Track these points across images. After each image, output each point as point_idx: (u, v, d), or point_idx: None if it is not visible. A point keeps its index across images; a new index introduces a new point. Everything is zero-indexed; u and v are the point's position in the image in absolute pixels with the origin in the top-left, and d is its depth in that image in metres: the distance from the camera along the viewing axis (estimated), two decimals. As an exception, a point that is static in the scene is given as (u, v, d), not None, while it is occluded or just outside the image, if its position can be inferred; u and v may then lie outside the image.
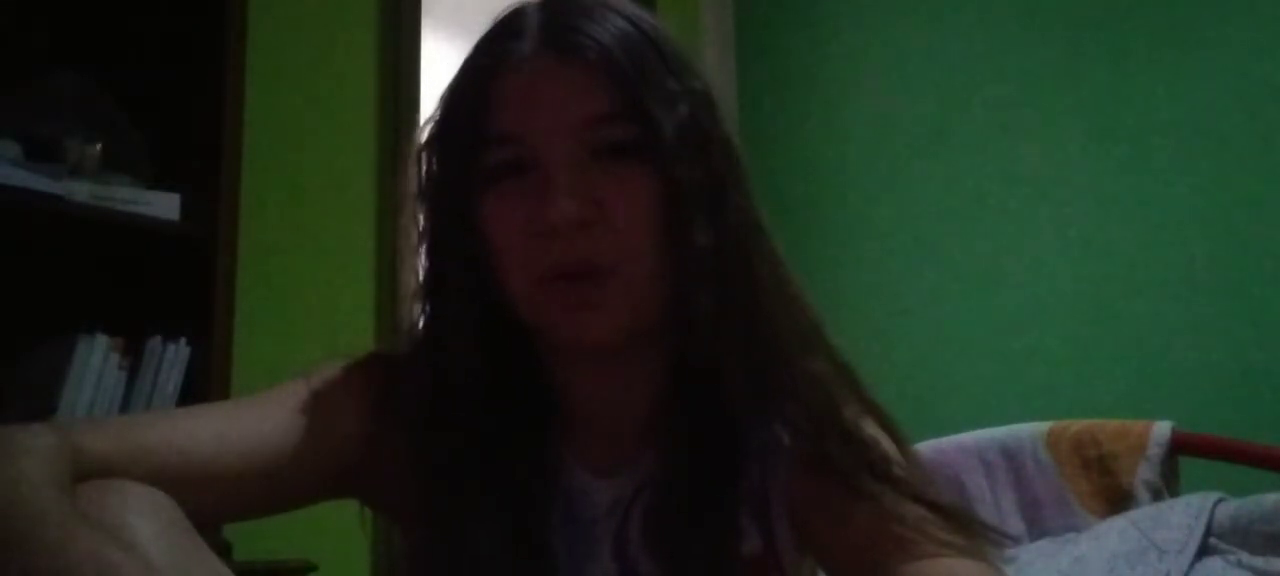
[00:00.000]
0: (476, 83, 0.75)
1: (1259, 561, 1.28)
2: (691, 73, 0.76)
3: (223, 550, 1.59)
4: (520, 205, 0.72)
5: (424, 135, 0.79)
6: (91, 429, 0.67)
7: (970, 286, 2.38)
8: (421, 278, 0.79)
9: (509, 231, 0.73)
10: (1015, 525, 1.54)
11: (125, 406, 1.56)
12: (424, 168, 0.79)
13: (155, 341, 1.60)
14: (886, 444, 0.75)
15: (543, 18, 0.75)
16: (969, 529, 0.70)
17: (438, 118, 0.78)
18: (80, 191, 1.56)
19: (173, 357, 1.60)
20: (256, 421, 0.74)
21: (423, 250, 0.79)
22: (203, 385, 1.60)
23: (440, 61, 2.47)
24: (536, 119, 0.72)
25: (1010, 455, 1.58)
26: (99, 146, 1.61)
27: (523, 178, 0.72)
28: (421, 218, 0.79)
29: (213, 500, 0.70)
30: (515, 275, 0.73)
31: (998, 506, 1.57)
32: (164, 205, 1.64)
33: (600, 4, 0.75)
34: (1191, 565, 1.28)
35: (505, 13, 0.77)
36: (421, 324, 0.79)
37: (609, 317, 0.72)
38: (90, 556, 0.54)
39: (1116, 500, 1.47)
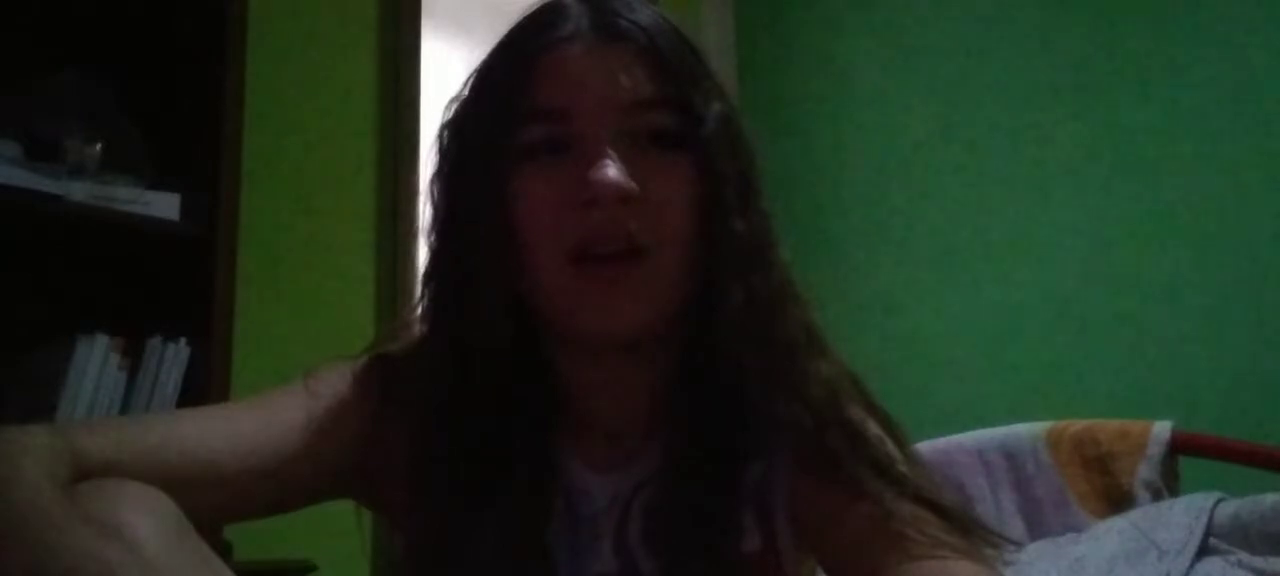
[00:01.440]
0: (517, 61, 0.75)
1: (1259, 561, 1.28)
2: (717, 76, 0.77)
3: (223, 550, 1.59)
4: (557, 180, 0.71)
5: (449, 114, 0.79)
6: (89, 430, 0.66)
7: (971, 285, 2.38)
8: (433, 257, 0.78)
9: (543, 205, 0.72)
10: (1015, 525, 1.54)
11: (125, 406, 1.56)
12: (448, 147, 0.78)
13: (155, 341, 1.60)
14: (889, 444, 0.75)
15: (585, 8, 0.75)
16: (970, 530, 0.70)
17: (467, 96, 0.78)
18: (80, 191, 1.56)
19: (173, 357, 1.60)
20: (257, 423, 0.74)
21: (435, 234, 0.78)
22: (203, 385, 1.60)
23: (440, 61, 2.48)
24: (583, 96, 0.72)
25: (1010, 455, 1.58)
26: (99, 146, 1.61)
27: (561, 155, 0.72)
28: (437, 200, 0.78)
29: (212, 501, 0.70)
30: (545, 251, 0.72)
31: (998, 506, 1.57)
32: (164, 205, 1.64)
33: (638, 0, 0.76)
34: (1191, 565, 1.28)
35: (541, 4, 0.78)
36: (428, 311, 0.78)
37: (639, 304, 0.72)
38: (89, 554, 0.54)
39: (1116, 500, 1.47)
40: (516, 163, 0.73)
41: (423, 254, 0.80)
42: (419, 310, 0.79)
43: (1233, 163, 2.03)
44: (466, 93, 0.78)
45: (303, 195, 2.12)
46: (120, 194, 1.60)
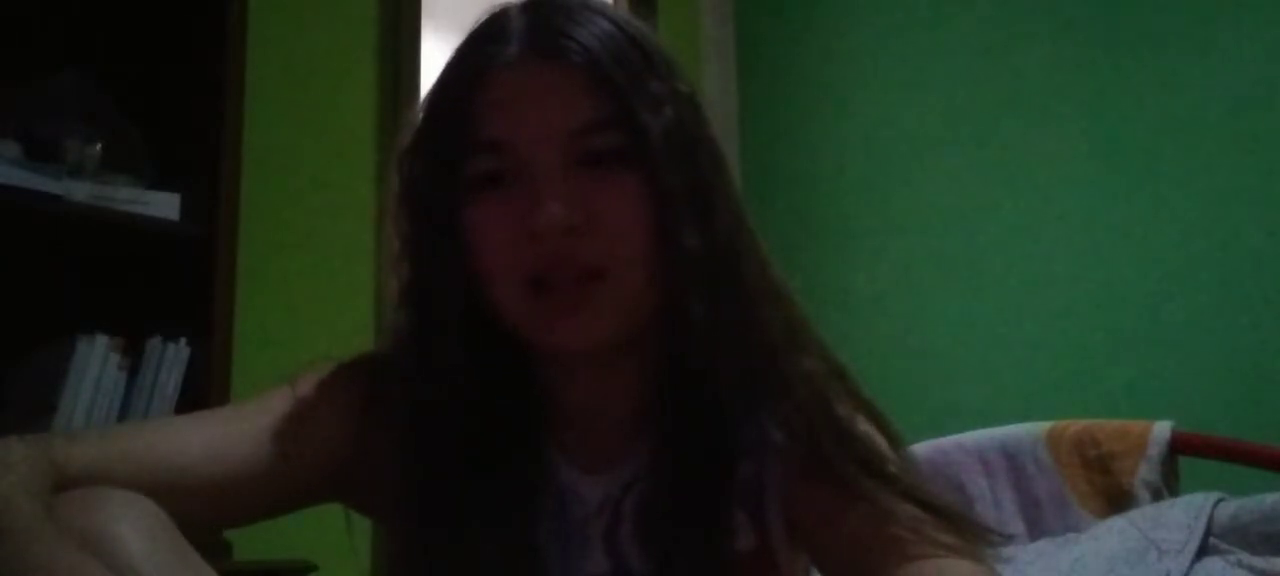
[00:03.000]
0: (460, 89, 0.74)
1: (1259, 561, 1.27)
2: (676, 74, 0.76)
3: (222, 550, 1.59)
4: (506, 212, 0.71)
5: (406, 141, 0.78)
6: (70, 440, 0.66)
7: (971, 287, 2.38)
8: (403, 285, 0.78)
9: (494, 239, 0.72)
10: (1015, 525, 1.54)
11: (125, 406, 1.56)
12: (406, 174, 0.78)
13: (155, 341, 1.60)
14: (880, 442, 0.75)
15: (526, 21, 0.74)
16: (963, 528, 0.70)
17: (419, 124, 0.77)
18: (80, 191, 1.56)
19: (173, 358, 1.60)
20: (242, 429, 0.74)
21: (404, 258, 0.78)
22: (203, 385, 1.60)
23: (440, 61, 2.48)
24: (523, 127, 0.71)
25: (1010, 455, 1.58)
26: (99, 146, 1.61)
27: (508, 186, 0.71)
28: (403, 224, 0.78)
29: (198, 508, 0.70)
30: (500, 282, 0.72)
31: (998, 506, 1.56)
32: (164, 205, 1.64)
33: (584, 6, 0.74)
34: (1191, 565, 1.28)
35: (487, 15, 0.76)
36: (406, 330, 0.78)
37: (597, 322, 0.72)
38: (70, 567, 0.54)
39: (1116, 500, 1.47)
40: (467, 193, 0.72)
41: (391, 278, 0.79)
42: (396, 322, 0.79)
43: (1233, 163, 2.03)
44: (418, 120, 0.77)
45: (302, 195, 2.12)
46: (120, 194, 1.60)
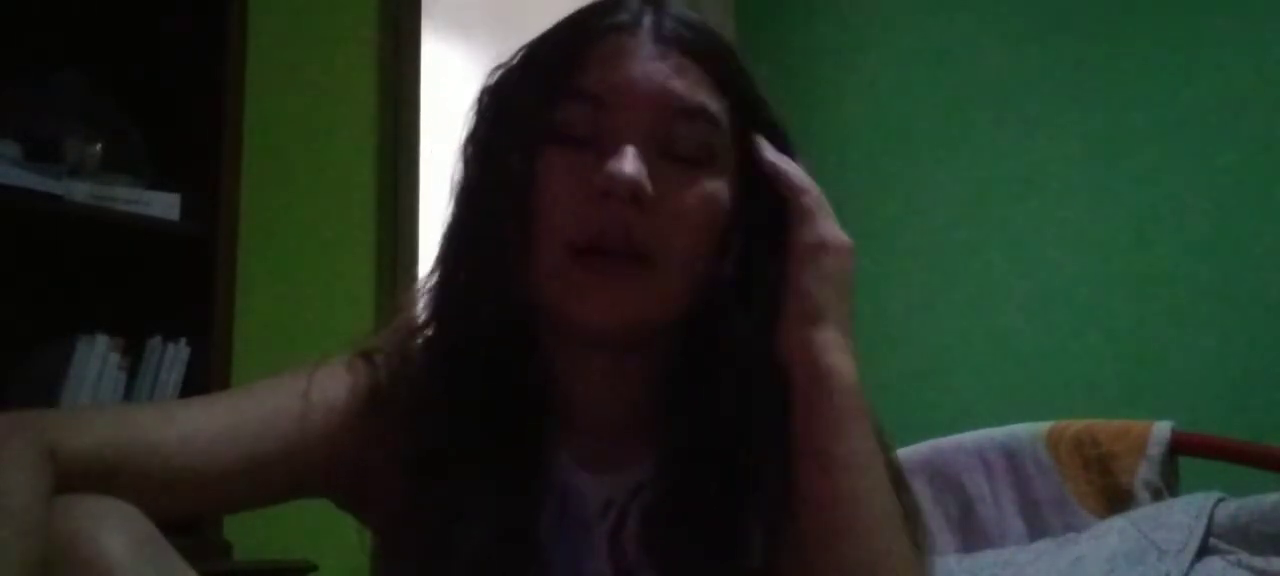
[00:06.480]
0: (572, 40, 0.74)
1: (1259, 561, 1.28)
2: (770, 106, 0.78)
3: (223, 550, 1.59)
4: (579, 167, 0.71)
5: (491, 79, 0.78)
6: (73, 429, 0.65)
7: (971, 287, 2.37)
8: (446, 227, 0.78)
9: (559, 190, 0.71)
10: (1015, 525, 1.54)
11: (125, 406, 1.56)
12: (483, 112, 0.78)
13: (155, 341, 1.60)
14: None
15: (650, 8, 0.75)
16: None
17: (515, 65, 0.78)
18: (80, 191, 1.56)
19: (173, 357, 1.60)
20: (245, 418, 0.73)
21: (456, 199, 0.78)
22: (203, 385, 1.60)
23: (440, 62, 2.48)
24: (626, 89, 0.71)
25: (1010, 455, 1.58)
26: (99, 146, 1.61)
27: (589, 148, 0.71)
28: (466, 165, 0.78)
29: (201, 499, 0.70)
30: (552, 236, 0.71)
31: (997, 506, 1.57)
32: (164, 205, 1.64)
33: (703, 20, 0.77)
34: (1192, 565, 1.28)
35: None
36: (436, 278, 0.78)
37: (628, 302, 0.71)
38: None
39: (1116, 500, 1.47)
40: (546, 142, 0.72)
41: (431, 228, 0.79)
42: (430, 279, 0.79)
43: (1233, 163, 2.03)
44: (514, 62, 0.78)
45: (303, 195, 2.12)
46: (120, 194, 1.60)
